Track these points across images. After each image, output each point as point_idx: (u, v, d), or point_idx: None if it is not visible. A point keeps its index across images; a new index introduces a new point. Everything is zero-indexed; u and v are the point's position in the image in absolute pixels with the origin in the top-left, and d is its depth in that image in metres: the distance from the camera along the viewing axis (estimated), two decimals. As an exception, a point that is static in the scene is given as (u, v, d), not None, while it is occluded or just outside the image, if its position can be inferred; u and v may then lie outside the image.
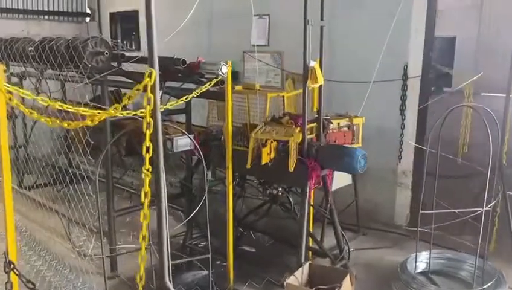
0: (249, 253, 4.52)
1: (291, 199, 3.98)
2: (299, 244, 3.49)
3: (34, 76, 5.13)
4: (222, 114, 4.35)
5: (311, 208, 4.11)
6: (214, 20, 6.65)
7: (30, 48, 4.11)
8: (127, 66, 3.93)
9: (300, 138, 3.29)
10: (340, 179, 4.35)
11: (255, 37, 6.05)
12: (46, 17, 8.28)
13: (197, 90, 3.26)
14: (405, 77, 4.78)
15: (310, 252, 4.09)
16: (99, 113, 2.09)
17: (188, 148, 3.91)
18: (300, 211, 3.56)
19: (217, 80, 3.33)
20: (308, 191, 3.47)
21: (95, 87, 6.78)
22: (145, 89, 1.91)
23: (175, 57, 3.61)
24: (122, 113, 2.41)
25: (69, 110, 2.21)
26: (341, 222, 4.27)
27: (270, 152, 3.38)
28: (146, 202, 1.98)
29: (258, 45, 6.09)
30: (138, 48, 7.83)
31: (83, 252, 4.41)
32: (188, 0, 7.03)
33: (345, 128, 3.93)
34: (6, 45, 4.25)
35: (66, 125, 2.08)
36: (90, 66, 3.28)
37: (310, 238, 4.34)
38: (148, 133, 1.86)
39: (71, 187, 5.01)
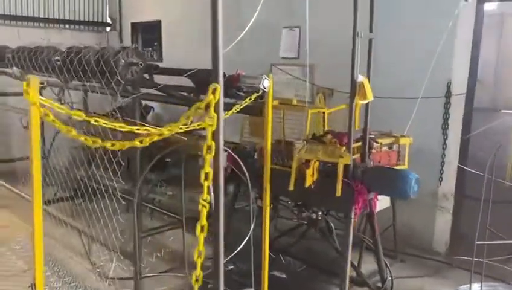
0: (280, 279, 4.23)
1: (332, 225, 3.69)
2: (342, 275, 3.20)
3: (56, 86, 4.92)
4: (255, 130, 4.11)
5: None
6: (241, 32, 6.43)
7: (56, 58, 3.91)
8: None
9: (350, 160, 3.01)
10: (379, 202, 4.06)
11: (284, 50, 5.83)
12: (67, 26, 8.16)
13: (237, 105, 3.00)
14: (448, 94, 4.50)
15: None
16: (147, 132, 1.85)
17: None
18: (344, 237, 3.26)
19: (258, 94, 3.08)
20: (353, 216, 3.18)
21: (114, 97, 6.54)
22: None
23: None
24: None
25: (121, 129, 1.97)
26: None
27: (313, 173, 3.10)
28: (202, 237, 1.71)
29: (287, 58, 5.89)
30: (160, 59, 7.66)
31: (104, 273, 4.16)
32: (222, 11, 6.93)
33: (389, 148, 3.65)
34: (30, 54, 4.05)
35: (110, 145, 1.84)
36: (123, 77, 3.05)
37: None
38: (208, 157, 1.60)
39: (94, 202, 4.81)
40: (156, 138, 1.78)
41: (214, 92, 1.63)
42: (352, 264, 3.82)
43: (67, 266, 4.32)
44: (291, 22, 5.78)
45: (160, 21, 7.63)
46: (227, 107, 3.51)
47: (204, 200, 1.66)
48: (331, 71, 5.32)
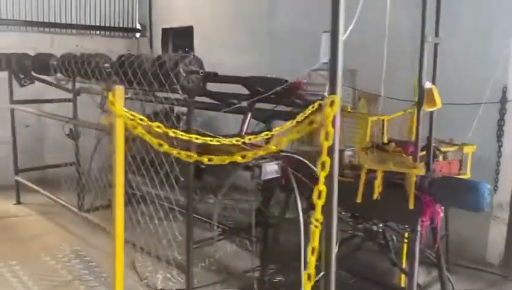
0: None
1: (394, 237, 3.55)
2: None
3: (97, 93, 4.86)
4: (308, 138, 3.99)
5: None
6: (279, 37, 6.35)
7: (106, 65, 3.86)
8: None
9: (424, 171, 2.87)
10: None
11: (324, 54, 5.69)
12: (98, 32, 8.17)
13: (301, 114, 2.88)
14: (504, 99, 4.33)
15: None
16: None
17: (276, 175, 3.53)
18: (410, 251, 3.12)
19: (321, 102, 2.96)
20: (420, 229, 3.03)
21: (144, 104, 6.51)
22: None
23: (268, 75, 3.27)
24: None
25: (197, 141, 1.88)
26: (426, 257, 3.82)
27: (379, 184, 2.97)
28: (313, 260, 1.59)
29: (327, 62, 5.76)
30: (192, 65, 7.59)
31: (152, 285, 4.07)
32: (248, 16, 6.85)
33: (451, 157, 3.50)
34: (78, 61, 4.00)
35: (206, 160, 1.74)
36: (184, 87, 2.97)
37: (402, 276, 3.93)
38: (323, 175, 1.49)
39: (138, 211, 4.74)
40: (260, 153, 1.67)
41: (331, 105, 1.51)
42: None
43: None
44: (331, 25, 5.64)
45: (192, 26, 7.58)
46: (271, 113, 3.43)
47: (317, 221, 1.55)
48: (374, 76, 5.18)
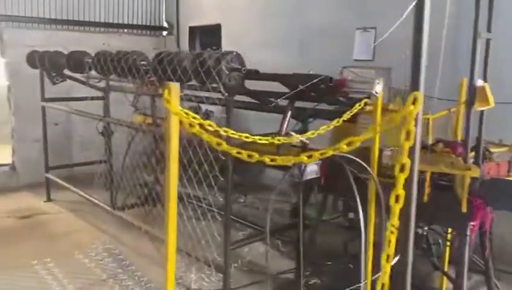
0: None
1: (440, 241, 3.43)
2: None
3: (128, 92, 4.84)
4: (341, 137, 3.88)
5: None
6: (309, 34, 6.24)
7: (142, 62, 3.82)
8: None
9: (478, 173, 2.75)
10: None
11: (358, 52, 5.59)
12: (126, 30, 8.18)
13: (347, 113, 2.80)
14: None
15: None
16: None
17: (315, 175, 3.45)
18: (459, 256, 3.00)
19: (367, 99, 2.87)
20: (470, 234, 2.91)
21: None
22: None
23: (310, 72, 3.18)
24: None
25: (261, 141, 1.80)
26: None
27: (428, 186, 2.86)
28: (388, 269, 1.50)
29: (360, 60, 5.65)
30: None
31: (186, 285, 4.03)
32: (277, 13, 6.77)
33: (499, 158, 3.36)
34: (114, 59, 3.97)
35: (268, 160, 1.66)
36: (226, 85, 2.90)
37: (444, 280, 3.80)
38: (402, 177, 1.40)
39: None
40: (327, 153, 1.59)
41: (414, 102, 1.42)
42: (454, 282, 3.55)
43: (147, 275, 4.21)
44: (365, 22, 5.53)
45: (219, 24, 7.53)
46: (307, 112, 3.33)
47: (393, 226, 1.46)
48: (409, 74, 5.05)
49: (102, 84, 5.67)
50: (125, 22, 8.15)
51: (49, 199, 6.42)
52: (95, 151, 7.82)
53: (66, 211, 6.02)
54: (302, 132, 3.60)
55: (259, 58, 6.49)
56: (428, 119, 3.44)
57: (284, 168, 3.36)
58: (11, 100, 6.96)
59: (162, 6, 8.59)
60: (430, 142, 3.26)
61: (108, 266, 4.38)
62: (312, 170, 3.41)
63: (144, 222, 4.70)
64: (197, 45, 8.23)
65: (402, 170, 1.37)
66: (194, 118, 1.83)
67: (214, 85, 3.15)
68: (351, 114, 2.81)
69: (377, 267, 3.19)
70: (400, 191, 1.39)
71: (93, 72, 4.69)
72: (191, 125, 1.74)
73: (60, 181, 6.28)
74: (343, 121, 3.58)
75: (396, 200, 1.39)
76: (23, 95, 6.93)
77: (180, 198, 4.08)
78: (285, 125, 3.34)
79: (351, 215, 3.70)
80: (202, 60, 3.04)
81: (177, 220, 4.02)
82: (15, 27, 6.93)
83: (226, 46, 7.44)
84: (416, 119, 1.44)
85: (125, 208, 4.98)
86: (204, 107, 7.13)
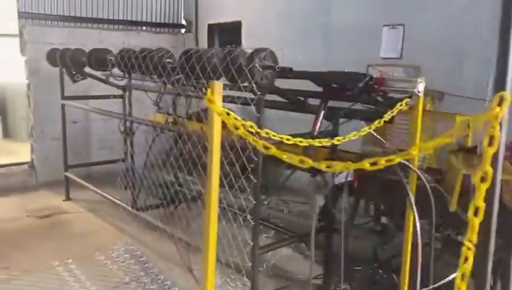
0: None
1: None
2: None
3: (153, 91, 4.74)
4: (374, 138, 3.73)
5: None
6: (333, 32, 6.08)
7: (168, 60, 3.71)
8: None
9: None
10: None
11: (385, 50, 5.42)
12: (144, 28, 8.10)
13: (387, 113, 2.65)
14: None
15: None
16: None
17: (349, 179, 3.30)
18: (503, 267, 2.83)
19: (409, 99, 2.72)
20: (516, 242, 2.74)
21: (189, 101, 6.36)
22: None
23: (346, 70, 3.04)
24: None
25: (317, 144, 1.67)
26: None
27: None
28: (463, 288, 1.36)
29: (388, 58, 5.48)
30: (239, 61, 7.42)
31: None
32: (300, 10, 6.62)
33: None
34: (138, 56, 3.87)
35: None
36: (259, 84, 2.77)
37: None
38: (483, 188, 1.26)
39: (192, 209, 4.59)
40: (398, 159, 1.45)
41: (500, 103, 1.27)
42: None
43: (170, 278, 4.11)
44: (393, 19, 5.36)
45: (240, 22, 7.40)
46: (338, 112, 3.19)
47: (470, 242, 1.31)
48: (440, 72, 4.88)
49: (120, 82, 5.61)
50: (144, 19, 8.07)
51: (68, 198, 6.37)
52: (113, 150, 7.81)
53: (85, 210, 5.95)
54: (332, 133, 3.46)
55: (281, 56, 6.43)
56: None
57: (311, 170, 3.24)
58: (30, 98, 6.92)
59: (180, 4, 8.49)
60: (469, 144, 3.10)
61: (130, 268, 4.29)
62: (346, 173, 3.27)
63: (166, 223, 4.61)
64: (216, 42, 8.12)
65: (483, 179, 1.23)
66: (237, 118, 1.71)
67: (245, 84, 3.03)
68: (392, 114, 2.66)
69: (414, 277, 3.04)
70: (480, 203, 1.24)
71: (115, 70, 4.59)
72: (236, 127, 1.62)
73: (79, 180, 6.21)
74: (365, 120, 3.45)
75: (476, 214, 1.25)
76: (42, 93, 6.89)
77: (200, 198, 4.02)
78: (318, 126, 3.20)
79: (384, 220, 3.55)
80: (234, 57, 2.91)
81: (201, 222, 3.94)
82: (35, 24, 6.88)
83: (246, 44, 7.32)
84: (501, 123, 1.29)
85: (147, 208, 4.87)
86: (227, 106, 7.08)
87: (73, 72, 5.46)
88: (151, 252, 4.61)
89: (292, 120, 5.90)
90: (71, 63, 5.16)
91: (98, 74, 6.20)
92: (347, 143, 3.80)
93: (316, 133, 3.20)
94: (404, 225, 3.59)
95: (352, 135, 2.36)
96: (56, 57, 5.47)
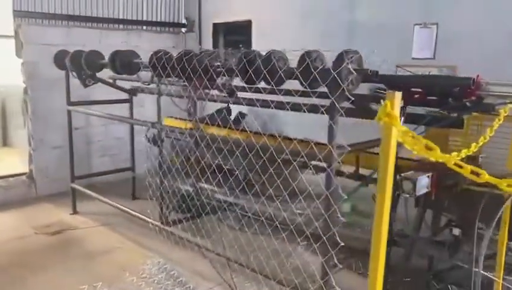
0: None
1: None
2: None
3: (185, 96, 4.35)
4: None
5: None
6: (358, 31, 5.86)
7: (217, 64, 3.38)
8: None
9: None
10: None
11: (417, 50, 5.24)
12: (145, 27, 7.67)
13: (496, 121, 2.42)
14: None
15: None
16: None
17: (426, 190, 3.07)
18: None
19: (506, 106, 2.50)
20: None
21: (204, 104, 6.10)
22: None
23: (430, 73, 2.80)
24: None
25: None
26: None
27: None
28: None
29: (420, 58, 5.30)
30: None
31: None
32: (320, 9, 6.36)
33: None
34: (181, 58, 3.52)
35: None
36: (349, 90, 2.49)
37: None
38: None
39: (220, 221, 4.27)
40: None
41: None
42: None
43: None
44: (425, 18, 5.18)
45: (250, 21, 7.09)
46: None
47: None
48: (477, 73, 4.74)
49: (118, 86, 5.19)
50: (145, 18, 7.64)
51: (75, 211, 5.90)
52: (115, 158, 7.37)
53: (97, 224, 5.51)
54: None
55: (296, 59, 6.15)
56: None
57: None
58: (27, 103, 6.39)
59: (181, 2, 8.10)
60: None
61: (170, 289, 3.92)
62: (424, 183, 3.03)
63: (197, 237, 4.27)
64: (221, 42, 7.77)
65: None
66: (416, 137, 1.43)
67: (320, 90, 2.75)
68: (499, 121, 2.42)
69: None
70: None
71: (143, 74, 4.20)
72: (428, 148, 1.34)
73: (89, 192, 5.75)
74: (440, 126, 3.23)
75: None
76: (41, 97, 6.39)
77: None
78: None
79: (456, 232, 3.33)
80: (313, 60, 2.62)
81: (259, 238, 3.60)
82: (31, 24, 6.35)
83: (256, 44, 7.02)
84: None
85: (176, 223, 4.50)
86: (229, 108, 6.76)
87: (85, 76, 5.02)
88: (188, 271, 4.24)
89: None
90: (87, 66, 4.71)
91: (113, 77, 5.79)
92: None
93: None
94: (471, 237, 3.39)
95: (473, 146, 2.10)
96: (65, 59, 5.01)
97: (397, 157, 3.43)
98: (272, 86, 2.84)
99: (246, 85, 3.06)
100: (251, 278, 3.90)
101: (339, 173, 3.91)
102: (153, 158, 4.46)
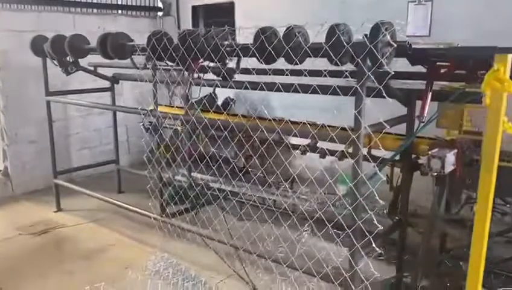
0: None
1: None
2: None
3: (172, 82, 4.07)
4: (449, 120, 3.44)
5: None
6: (348, 10, 5.73)
7: (226, 42, 3.16)
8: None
9: None
10: None
11: (412, 27, 5.17)
12: (120, 11, 7.26)
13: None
14: None
15: None
16: None
17: (453, 167, 2.99)
18: None
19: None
20: None
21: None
22: None
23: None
24: None
25: None
26: None
27: None
28: None
29: (415, 36, 5.22)
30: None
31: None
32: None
33: None
34: (185, 39, 3.27)
35: None
36: (385, 64, 2.35)
37: None
38: None
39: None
40: None
41: None
42: None
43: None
44: (419, -5, 5.10)
45: (233, 3, 6.82)
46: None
47: None
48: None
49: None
50: (119, 2, 7.21)
51: (59, 209, 5.53)
52: (95, 150, 6.99)
53: (85, 221, 5.19)
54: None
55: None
56: None
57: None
58: (-2, 95, 5.91)
59: (156, -16, 7.71)
60: None
61: (178, 286, 3.70)
62: (451, 161, 2.95)
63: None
64: (201, 26, 7.47)
65: None
66: None
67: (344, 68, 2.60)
68: None
69: None
70: None
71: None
72: None
73: (76, 187, 5.41)
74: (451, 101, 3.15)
75: None
76: (14, 89, 5.93)
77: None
78: (425, 110, 2.85)
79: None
80: (344, 32, 2.46)
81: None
82: (-3, 8, 5.85)
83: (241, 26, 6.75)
84: None
85: (175, 215, 4.26)
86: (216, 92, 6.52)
87: (68, 63, 4.65)
88: (194, 264, 4.03)
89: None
90: (71, 51, 4.35)
91: (94, 64, 5.44)
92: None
93: (424, 117, 2.85)
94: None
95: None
96: (45, 45, 4.62)
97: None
98: (296, 63, 2.65)
99: (265, 66, 2.84)
100: (260, 266, 3.74)
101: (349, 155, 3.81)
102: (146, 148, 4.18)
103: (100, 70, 5.60)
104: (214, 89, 6.51)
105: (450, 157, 2.92)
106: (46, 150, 5.53)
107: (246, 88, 3.65)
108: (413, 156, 3.52)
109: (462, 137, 3.26)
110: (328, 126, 3.19)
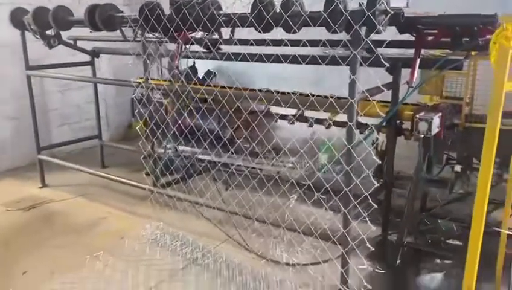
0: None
1: None
2: None
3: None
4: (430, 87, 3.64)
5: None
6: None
7: (220, 12, 3.22)
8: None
9: None
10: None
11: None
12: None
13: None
14: None
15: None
16: None
17: (438, 129, 3.21)
18: None
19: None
20: None
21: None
22: None
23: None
24: None
25: None
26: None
27: None
28: None
29: (393, 7, 5.38)
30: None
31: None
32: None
33: None
34: (180, 10, 3.30)
35: None
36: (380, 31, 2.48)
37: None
38: None
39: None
40: None
41: None
42: None
43: (232, 255, 3.75)
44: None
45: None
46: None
47: None
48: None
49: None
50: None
51: (44, 185, 5.50)
52: (76, 126, 6.91)
53: (73, 196, 5.19)
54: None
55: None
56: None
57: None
58: (-28, 71, 5.74)
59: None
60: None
61: (177, 251, 3.82)
62: (437, 123, 3.17)
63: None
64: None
65: None
66: None
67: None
68: None
69: None
70: None
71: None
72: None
73: (62, 162, 5.39)
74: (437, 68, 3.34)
75: None
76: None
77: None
78: (414, 77, 3.03)
79: (457, 168, 3.53)
80: (342, 1, 2.57)
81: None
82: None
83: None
84: None
85: (168, 186, 4.34)
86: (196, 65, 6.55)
87: (51, 36, 4.58)
88: (190, 232, 4.14)
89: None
90: (55, 23, 4.28)
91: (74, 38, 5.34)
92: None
93: (412, 83, 3.02)
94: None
95: None
96: (25, 18, 4.52)
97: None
98: (294, 31, 2.75)
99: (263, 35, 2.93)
100: (254, 231, 3.91)
101: (337, 124, 3.97)
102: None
103: (78, 44, 5.53)
104: (194, 63, 6.54)
105: (436, 120, 3.13)
106: (28, 127, 5.45)
107: (232, 59, 3.69)
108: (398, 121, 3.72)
109: (444, 102, 3.49)
110: (314, 95, 3.30)
